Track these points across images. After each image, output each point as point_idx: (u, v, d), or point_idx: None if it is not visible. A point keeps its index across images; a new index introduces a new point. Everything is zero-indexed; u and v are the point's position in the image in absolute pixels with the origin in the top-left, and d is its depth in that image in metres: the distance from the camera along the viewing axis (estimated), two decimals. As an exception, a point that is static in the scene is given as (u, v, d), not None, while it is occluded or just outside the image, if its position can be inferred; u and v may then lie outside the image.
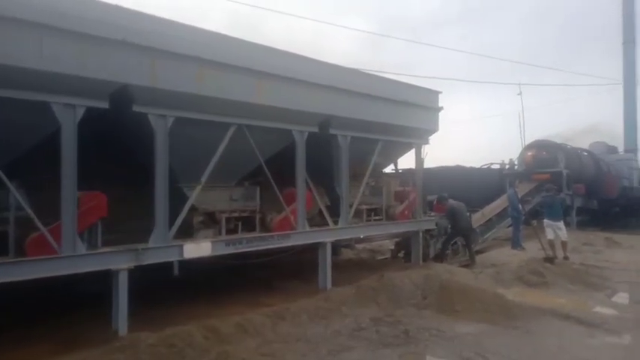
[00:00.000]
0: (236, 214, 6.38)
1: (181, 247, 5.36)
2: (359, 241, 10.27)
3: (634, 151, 28.92)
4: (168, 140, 5.22)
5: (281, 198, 6.58)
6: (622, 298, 7.68)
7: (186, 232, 5.85)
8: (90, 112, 4.61)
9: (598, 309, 6.61)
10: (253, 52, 5.87)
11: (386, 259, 10.66)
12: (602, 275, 8.81)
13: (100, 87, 4.63)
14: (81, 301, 5.90)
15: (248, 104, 5.80)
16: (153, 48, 4.85)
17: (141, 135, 5.25)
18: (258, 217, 6.59)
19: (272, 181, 6.36)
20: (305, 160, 6.80)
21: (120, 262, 4.87)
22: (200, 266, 7.43)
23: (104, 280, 4.94)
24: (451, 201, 10.23)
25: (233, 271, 7.87)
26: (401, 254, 10.21)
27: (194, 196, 5.63)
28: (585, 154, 19.71)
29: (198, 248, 5.51)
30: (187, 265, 6.16)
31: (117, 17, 4.62)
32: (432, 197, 11.67)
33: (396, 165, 10.26)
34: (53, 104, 4.38)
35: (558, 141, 19.07)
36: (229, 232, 6.25)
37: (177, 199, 5.56)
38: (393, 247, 10.68)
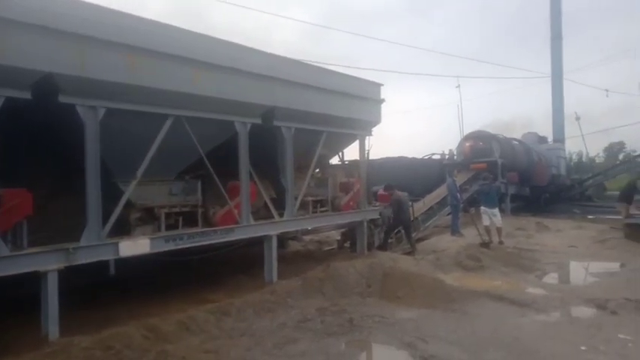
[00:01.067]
0: (176, 209, 6.16)
1: (117, 245, 5.10)
2: (306, 232, 10.29)
3: (562, 141, 30.97)
4: (101, 133, 4.93)
5: (224, 191, 6.44)
6: (551, 278, 8.26)
7: (123, 229, 5.59)
8: (12, 103, 4.26)
9: (529, 289, 7.05)
10: (190, 41, 5.67)
11: (333, 249, 10.77)
12: (533, 258, 9.40)
13: (21, 76, 4.28)
14: (14, 305, 5.48)
15: (186, 94, 5.60)
16: (80, 34, 4.55)
17: (71, 127, 4.92)
18: (200, 211, 6.41)
19: (214, 174, 6.20)
20: (248, 152, 6.69)
21: (48, 262, 4.57)
22: (141, 264, 7.14)
23: (36, 282, 4.62)
24: (397, 192, 10.49)
25: (176, 268, 7.65)
26: (347, 244, 10.36)
27: (129, 191, 5.37)
28: (518, 143, 20.87)
29: (135, 246, 5.27)
30: (127, 263, 5.88)
31: (40, 1, 4.28)
32: (377, 188, 11.92)
33: (342, 156, 10.38)
34: (-35, 94, 4.00)
35: (493, 131, 20.07)
36: (170, 227, 6.04)
37: (112, 194, 5.29)
38: (339, 237, 10.81)
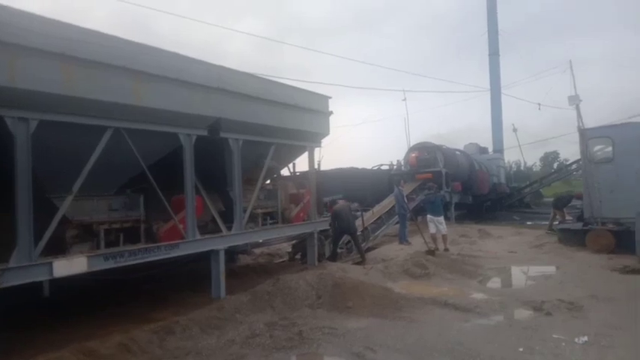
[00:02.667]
0: (117, 225, 5.91)
1: (50, 264, 4.79)
2: (256, 245, 10.17)
3: (501, 151, 32.71)
4: (34, 145, 4.65)
5: (168, 205, 6.24)
6: (492, 283, 8.62)
7: (59, 248, 5.27)
8: None
9: (472, 295, 7.32)
10: (131, 51, 5.50)
11: (284, 262, 10.71)
12: (476, 264, 9.79)
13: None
14: None
15: (126, 106, 5.41)
16: (9, 43, 4.29)
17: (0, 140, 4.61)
18: (143, 227, 6.18)
19: (157, 188, 6.00)
20: (194, 164, 6.53)
21: (-28, 286, 4.22)
22: (81, 283, 6.76)
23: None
24: (338, 204, 10.68)
25: (119, 287, 7.30)
26: (298, 256, 10.33)
27: (65, 207, 5.08)
28: (460, 154, 21.80)
29: (71, 265, 4.98)
30: (65, 282, 5.53)
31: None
32: (329, 199, 12.03)
33: (293, 168, 10.38)
34: None
35: (438, 143, 20.85)
36: (110, 244, 5.77)
37: (46, 211, 4.98)
38: (290, 249, 10.77)
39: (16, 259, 4.56)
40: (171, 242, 6.21)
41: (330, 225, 10.13)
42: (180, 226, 6.38)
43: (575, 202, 15.19)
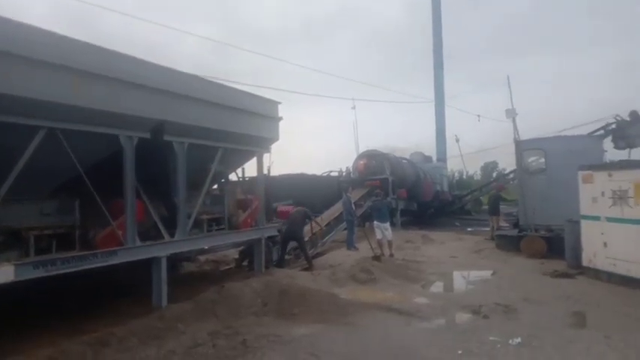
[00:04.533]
0: (49, 231, 5.54)
1: (-29, 274, 4.41)
2: (202, 252, 9.90)
3: (444, 160, 33.98)
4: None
5: (105, 210, 5.93)
6: (434, 287, 8.91)
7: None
8: None
9: (415, 299, 7.52)
10: (70, 48, 5.20)
11: (230, 268, 10.50)
12: (419, 269, 10.08)
13: None
14: None
15: (62, 105, 5.09)
16: None
17: None
18: (77, 233, 5.83)
19: (94, 191, 5.69)
20: (134, 168, 6.26)
21: None
22: (5, 293, 6.27)
23: None
24: (295, 210, 10.70)
25: (50, 297, 6.84)
26: (245, 263, 10.17)
27: (-11, 211, 4.71)
28: (406, 162, 22.44)
29: (-5, 274, 4.60)
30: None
31: None
32: (277, 204, 11.94)
33: (241, 173, 10.22)
34: None
35: (385, 151, 21.35)
36: (41, 252, 5.39)
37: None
38: (237, 256, 10.58)
39: None
40: (109, 249, 5.90)
41: (278, 231, 10.05)
42: (119, 232, 6.08)
43: (511, 210, 16.08)
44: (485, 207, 27.27)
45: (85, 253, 5.63)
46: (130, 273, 7.60)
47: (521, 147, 13.31)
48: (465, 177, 47.04)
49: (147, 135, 6.44)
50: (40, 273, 5.05)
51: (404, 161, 22.06)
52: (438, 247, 14.06)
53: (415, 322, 6.18)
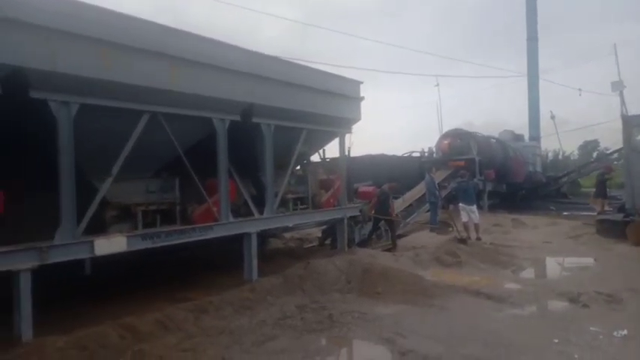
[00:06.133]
0: (154, 207, 6.08)
1: (92, 243, 4.99)
2: (287, 230, 10.28)
3: (537, 139, 31.64)
4: (75, 129, 4.82)
5: (202, 189, 6.37)
6: (527, 273, 8.43)
7: (99, 228, 5.48)
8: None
9: (505, 284, 7.19)
10: (167, 36, 5.57)
11: (313, 246, 10.80)
12: (510, 253, 9.58)
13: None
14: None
15: (162, 91, 5.51)
16: (51, 28, 4.42)
17: (43, 124, 4.80)
18: (178, 209, 6.33)
19: (192, 171, 6.12)
20: (227, 149, 6.63)
21: (21, 261, 4.45)
22: (117, 263, 7.03)
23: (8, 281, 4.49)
24: (381, 188, 10.64)
25: (154, 267, 7.55)
26: (328, 241, 10.39)
27: (104, 189, 5.27)
28: (495, 141, 21.23)
29: (111, 244, 5.17)
30: (103, 262, 5.77)
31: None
32: (358, 185, 11.97)
33: (323, 154, 10.39)
34: None
35: (471, 129, 20.36)
36: (147, 225, 5.95)
37: (87, 192, 5.18)
38: (320, 234, 10.83)
39: (60, 237, 4.77)
40: (206, 224, 6.35)
41: (360, 211, 10.06)
42: (214, 209, 6.51)
43: (615, 193, 14.65)
44: (584, 190, 25.12)
45: (185, 227, 6.12)
46: (219, 248, 8.14)
47: (631, 123, 11.94)
48: (560, 157, 43.42)
49: (237, 118, 6.76)
50: (147, 244, 5.58)
51: (492, 140, 20.89)
52: (530, 231, 13.24)
53: (506, 307, 5.91)
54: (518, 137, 26.76)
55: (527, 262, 9.08)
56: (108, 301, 5.89)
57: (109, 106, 5.12)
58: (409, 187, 15.55)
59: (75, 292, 6.22)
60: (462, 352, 4.44)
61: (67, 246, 4.82)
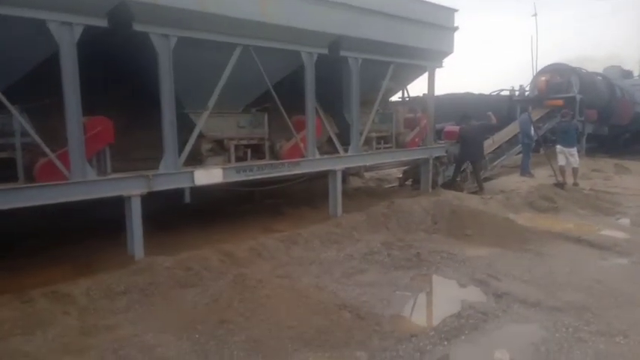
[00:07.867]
0: (244, 142, 6.24)
1: (192, 173, 5.28)
2: (366, 169, 10.20)
3: (650, 75, 27.86)
4: (172, 63, 4.96)
5: (291, 125, 6.39)
6: (635, 222, 7.68)
7: (195, 160, 5.76)
8: (91, 32, 4.33)
9: (608, 232, 6.63)
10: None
11: (394, 187, 10.66)
12: (612, 200, 8.79)
13: (98, 3, 4.31)
14: (96, 226, 5.93)
15: (253, 22, 5.43)
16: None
17: (145, 57, 4.98)
18: (267, 144, 6.45)
19: (281, 107, 6.13)
20: (314, 85, 6.52)
21: (131, 188, 4.83)
22: (209, 194, 7.43)
23: (117, 206, 4.92)
24: (472, 123, 9.97)
25: (243, 199, 7.90)
26: (408, 182, 10.18)
27: (202, 122, 5.46)
28: (600, 78, 18.99)
29: (210, 175, 5.43)
30: (196, 192, 6.13)
31: None
32: (441, 125, 11.41)
33: (406, 92, 9.92)
34: (50, 22, 4.10)
35: (572, 64, 18.29)
36: (238, 159, 6.15)
37: (183, 126, 5.40)
38: (401, 175, 10.64)
39: (164, 167, 5.08)
40: (294, 160, 6.43)
41: (446, 151, 9.62)
42: (302, 145, 6.54)
43: None
44: None
45: (275, 162, 6.26)
46: (302, 184, 8.27)
47: None
48: (676, 97, 38.13)
49: (325, 51, 6.56)
50: (240, 177, 5.80)
51: (598, 77, 18.71)
52: (636, 178, 11.99)
53: (612, 256, 5.47)
54: (627, 74, 23.65)
55: (633, 210, 8.28)
56: (204, 229, 6.29)
57: (204, 39, 5.17)
58: (497, 128, 14.57)
59: (176, 219, 6.70)
60: (564, 298, 4.20)
61: (170, 175, 5.13)
